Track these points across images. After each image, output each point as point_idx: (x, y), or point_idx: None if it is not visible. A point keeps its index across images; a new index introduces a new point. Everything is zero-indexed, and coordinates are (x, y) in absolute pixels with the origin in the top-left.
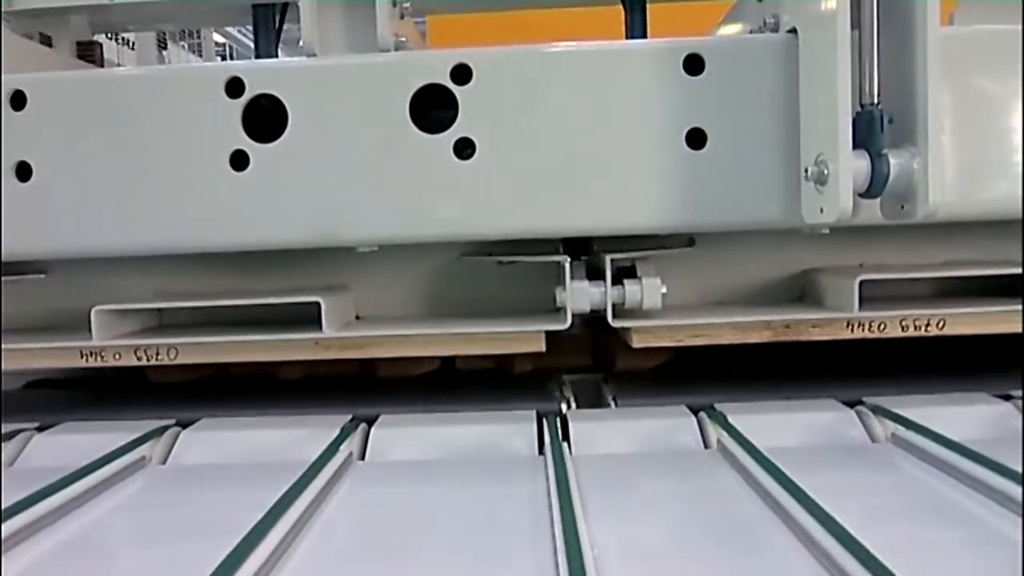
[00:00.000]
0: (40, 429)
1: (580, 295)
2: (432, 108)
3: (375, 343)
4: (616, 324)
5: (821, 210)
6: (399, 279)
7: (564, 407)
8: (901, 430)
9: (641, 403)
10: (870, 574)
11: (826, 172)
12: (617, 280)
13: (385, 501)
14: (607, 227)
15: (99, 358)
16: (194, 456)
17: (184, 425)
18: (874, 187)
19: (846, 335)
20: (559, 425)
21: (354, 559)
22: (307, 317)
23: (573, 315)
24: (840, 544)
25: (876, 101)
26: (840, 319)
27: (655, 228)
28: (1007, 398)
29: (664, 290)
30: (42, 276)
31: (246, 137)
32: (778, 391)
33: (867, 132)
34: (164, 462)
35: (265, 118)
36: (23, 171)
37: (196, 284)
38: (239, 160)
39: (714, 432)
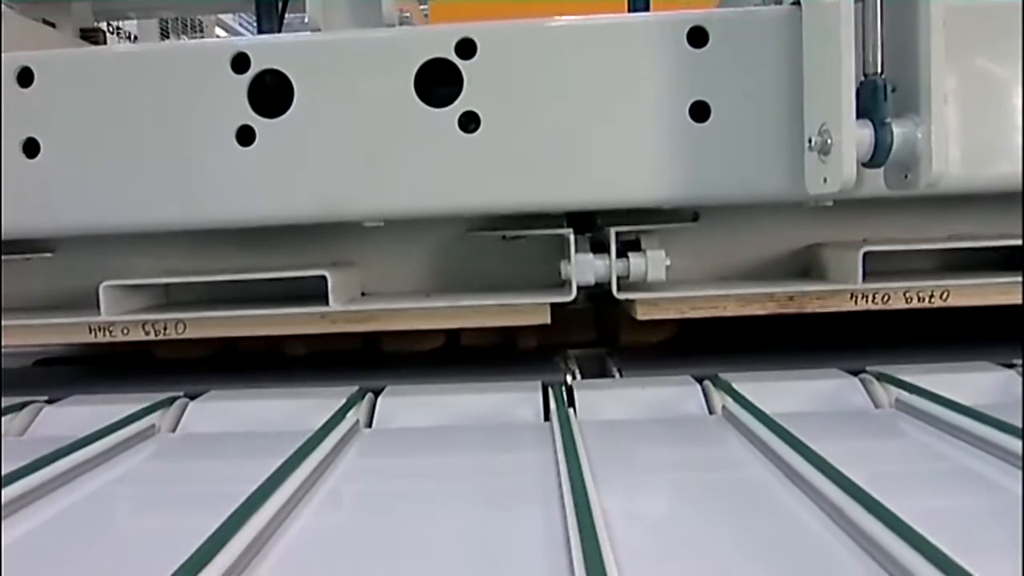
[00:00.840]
0: (50, 402)
1: (584, 267)
2: (437, 83)
3: (381, 316)
4: (621, 296)
5: (825, 180)
6: (404, 256)
7: (569, 379)
8: (904, 395)
9: (646, 375)
10: (883, 525)
11: (829, 142)
12: (622, 254)
13: (393, 464)
14: (611, 200)
15: (107, 333)
16: (203, 426)
17: (192, 397)
18: (877, 156)
19: (850, 307)
20: (564, 394)
21: (361, 521)
22: (314, 294)
23: (578, 287)
24: (854, 500)
25: (879, 71)
26: (844, 291)
27: (659, 201)
28: (1011, 367)
29: (668, 263)
30: (49, 255)
31: (252, 112)
32: (782, 364)
33: (870, 102)
34: (173, 431)
35: (271, 93)
36: (31, 147)
37: (203, 263)
38: (245, 135)
39: (719, 399)
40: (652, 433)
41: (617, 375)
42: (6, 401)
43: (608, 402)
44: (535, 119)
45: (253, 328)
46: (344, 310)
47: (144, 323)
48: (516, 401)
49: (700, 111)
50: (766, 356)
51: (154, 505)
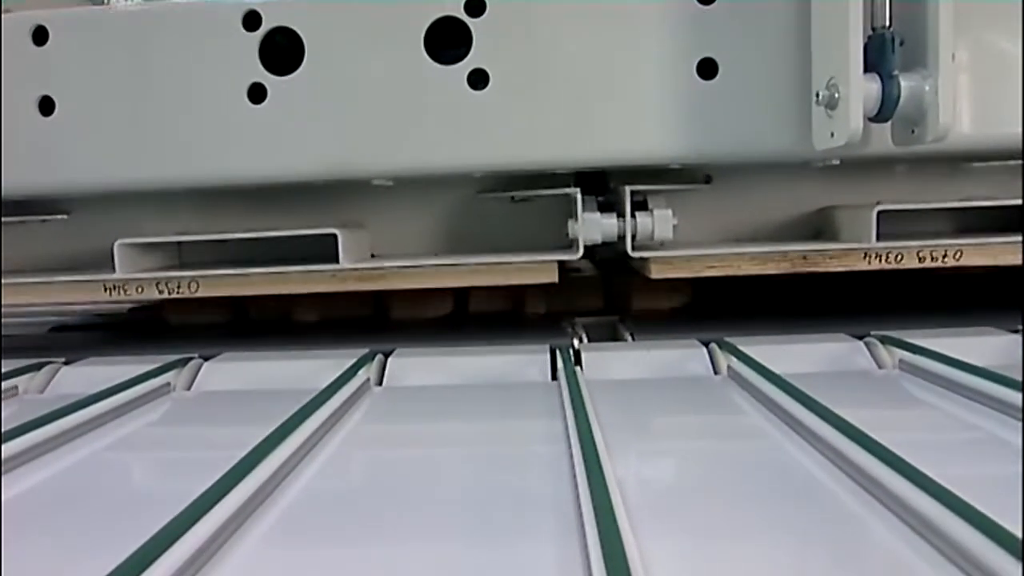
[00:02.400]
0: (67, 363)
1: (592, 226)
2: (446, 44)
3: (392, 275)
4: (635, 255)
5: (832, 134)
6: (414, 220)
7: (577, 343)
8: (908, 355)
9: (656, 339)
10: (891, 469)
11: (837, 96)
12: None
13: (402, 419)
14: (620, 158)
15: (122, 292)
16: (217, 384)
17: (207, 359)
18: (884, 110)
19: (863, 266)
20: (572, 356)
21: (369, 475)
22: (324, 256)
23: (586, 246)
24: (863, 449)
25: (888, 24)
26: (857, 250)
27: (668, 159)
28: (1016, 332)
29: (675, 222)
30: (64, 217)
31: (263, 70)
32: (789, 331)
33: (878, 55)
34: (188, 389)
35: (282, 51)
36: (46, 105)
37: (215, 226)
38: (257, 93)
39: (724, 360)
40: (657, 390)
41: (629, 339)
42: (23, 363)
43: (614, 363)
44: (543, 76)
45: (265, 287)
46: (355, 268)
47: (158, 281)
48: (524, 362)
49: (708, 68)
50: (775, 324)
51: (167, 459)
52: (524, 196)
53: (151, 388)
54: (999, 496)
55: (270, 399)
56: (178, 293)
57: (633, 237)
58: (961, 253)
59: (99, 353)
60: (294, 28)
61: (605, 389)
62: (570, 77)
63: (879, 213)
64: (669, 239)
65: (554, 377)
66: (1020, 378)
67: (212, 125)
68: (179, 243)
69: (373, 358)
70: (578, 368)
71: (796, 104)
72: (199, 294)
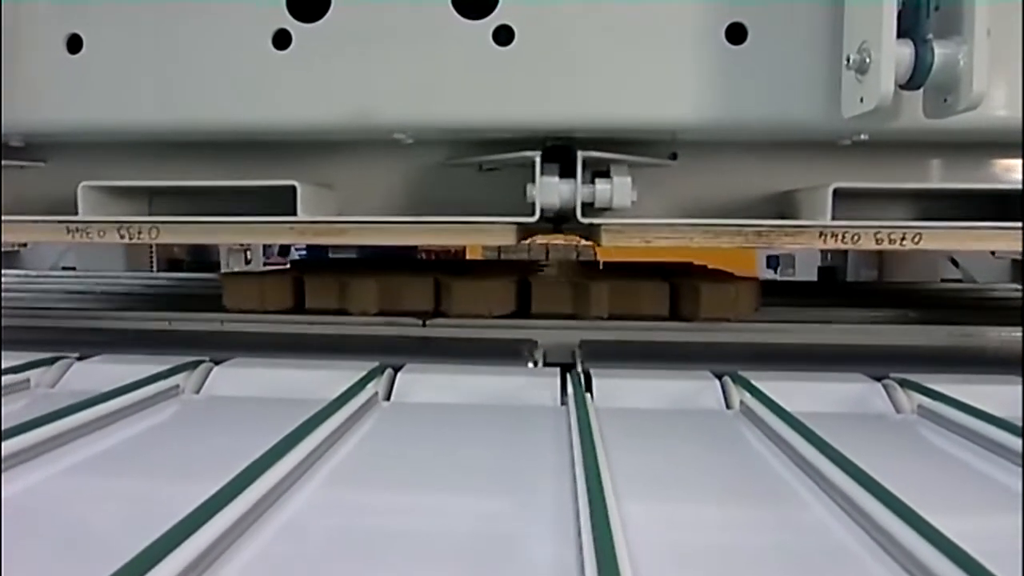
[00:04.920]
0: (80, 359)
1: (549, 189)
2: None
3: (351, 230)
4: (584, 221)
5: (861, 100)
6: (382, 183)
7: (531, 365)
8: (927, 401)
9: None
10: (899, 518)
11: (868, 60)
12: (590, 182)
13: (409, 436)
14: (647, 122)
15: (84, 235)
16: (227, 389)
17: (218, 363)
18: (917, 75)
19: (819, 245)
20: (582, 379)
21: (370, 492)
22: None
23: (543, 210)
24: (873, 497)
25: None
26: (813, 228)
27: (693, 126)
28: None
29: (635, 194)
30: (42, 164)
31: (289, 16)
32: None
33: (912, 20)
34: (197, 392)
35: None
36: (74, 43)
37: (187, 179)
38: (281, 39)
39: (737, 395)
40: (667, 424)
41: (580, 366)
42: (37, 356)
43: (625, 391)
44: (569, 37)
45: (225, 236)
46: (313, 221)
47: (120, 226)
48: (534, 384)
49: (736, 33)
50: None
51: (168, 463)
52: (491, 164)
53: (160, 390)
54: (1009, 551)
55: (277, 408)
56: (139, 238)
57: (586, 205)
58: (920, 237)
59: (114, 350)
60: None
61: (614, 419)
62: (597, 39)
63: (837, 194)
64: (628, 208)
65: (563, 401)
66: None
67: (236, 70)
68: (150, 197)
69: (383, 372)
70: (588, 394)
71: (828, 72)
72: (160, 240)
